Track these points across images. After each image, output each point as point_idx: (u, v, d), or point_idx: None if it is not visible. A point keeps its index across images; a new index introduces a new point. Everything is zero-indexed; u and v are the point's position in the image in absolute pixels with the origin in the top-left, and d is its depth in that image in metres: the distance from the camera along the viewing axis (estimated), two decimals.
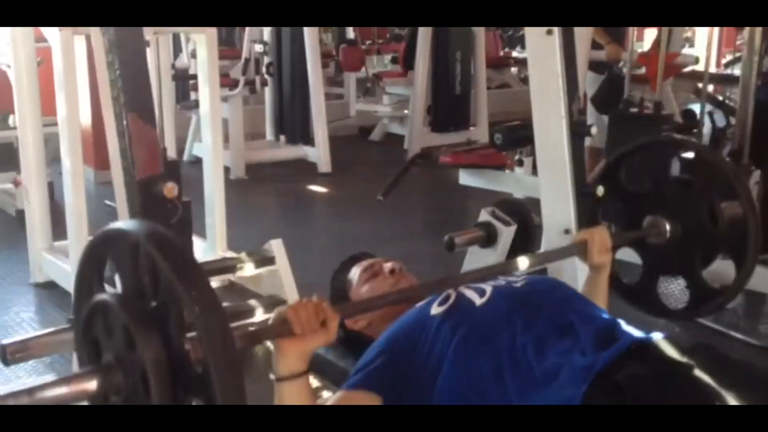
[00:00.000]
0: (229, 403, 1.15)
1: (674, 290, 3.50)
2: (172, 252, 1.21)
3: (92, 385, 1.28)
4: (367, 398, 1.56)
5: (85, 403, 1.33)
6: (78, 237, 3.28)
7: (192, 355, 1.19)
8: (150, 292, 1.26)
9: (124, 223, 1.38)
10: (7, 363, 1.82)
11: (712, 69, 6.39)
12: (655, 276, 2.36)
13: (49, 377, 2.74)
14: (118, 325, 1.26)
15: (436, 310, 1.65)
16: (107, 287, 1.39)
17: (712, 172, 2.30)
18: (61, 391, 1.27)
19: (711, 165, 2.34)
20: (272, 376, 1.48)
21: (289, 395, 1.47)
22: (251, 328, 1.67)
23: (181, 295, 1.16)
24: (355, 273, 1.95)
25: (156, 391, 1.21)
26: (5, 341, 1.81)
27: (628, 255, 3.51)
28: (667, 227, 2.24)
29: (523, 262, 1.91)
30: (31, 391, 1.24)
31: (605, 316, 1.63)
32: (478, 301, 1.64)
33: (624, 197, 2.38)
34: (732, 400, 1.33)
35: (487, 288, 1.68)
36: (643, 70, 4.63)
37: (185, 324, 1.20)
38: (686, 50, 7.60)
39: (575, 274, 2.26)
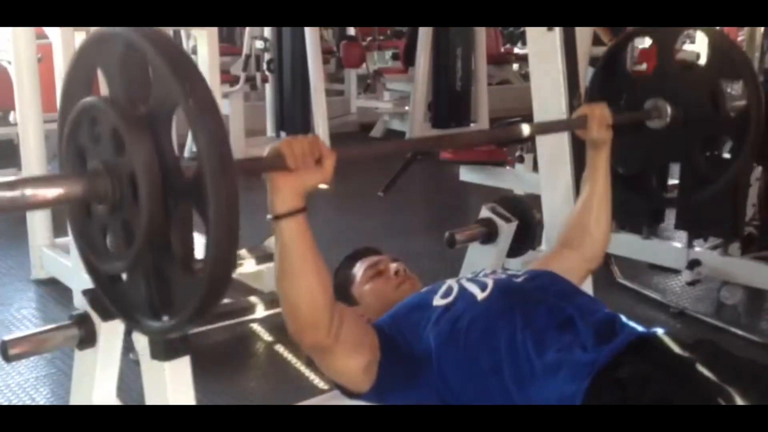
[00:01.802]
0: (222, 207, 1.11)
1: (669, 286, 3.51)
2: (165, 46, 1.14)
3: (77, 188, 1.20)
4: (373, 334, 1.59)
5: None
6: None
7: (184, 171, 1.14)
8: (141, 95, 1.20)
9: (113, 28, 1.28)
10: (8, 359, 1.82)
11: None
12: (654, 161, 2.30)
13: (49, 372, 2.75)
14: (106, 128, 1.20)
15: (438, 301, 1.66)
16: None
17: (718, 54, 2.23)
18: (44, 190, 1.18)
19: (718, 48, 2.25)
20: (269, 216, 1.43)
21: (288, 232, 1.43)
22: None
23: (174, 87, 1.10)
24: (359, 269, 1.94)
25: (145, 196, 1.15)
26: (6, 337, 1.81)
27: (624, 250, 3.54)
28: (668, 110, 2.18)
29: (525, 129, 1.88)
30: (12, 184, 1.14)
31: (605, 310, 1.64)
32: (480, 295, 1.65)
33: (625, 81, 2.33)
34: (734, 396, 1.33)
35: (489, 282, 1.69)
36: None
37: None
38: (687, 46, 7.60)
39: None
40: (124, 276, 1.34)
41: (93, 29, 1.30)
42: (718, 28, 2.85)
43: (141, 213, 1.17)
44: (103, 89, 1.31)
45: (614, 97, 2.27)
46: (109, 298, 1.38)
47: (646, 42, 6.15)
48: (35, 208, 1.20)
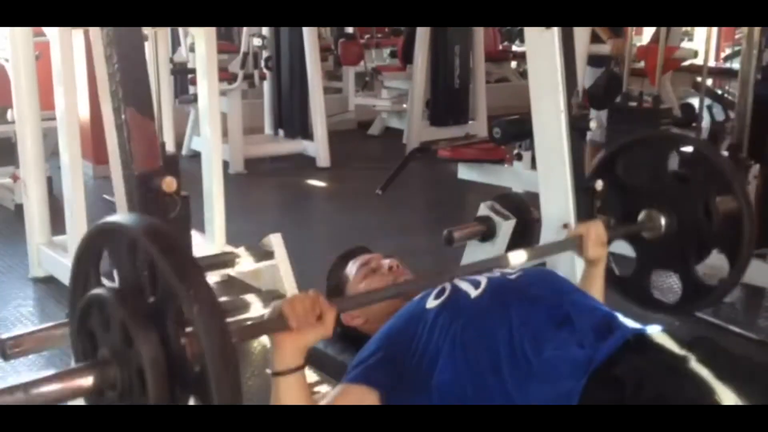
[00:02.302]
0: (226, 402, 1.15)
1: (669, 284, 3.52)
2: (170, 249, 1.20)
3: (88, 380, 1.27)
4: (366, 393, 1.56)
5: (80, 399, 1.33)
6: (77, 231, 3.28)
7: (189, 350, 1.19)
8: (148, 287, 1.25)
9: (121, 216, 1.38)
10: (6, 357, 1.81)
11: (711, 63, 6.39)
12: (649, 270, 2.37)
13: (48, 371, 2.75)
14: (115, 321, 1.26)
15: (431, 303, 1.66)
16: (105, 281, 1.39)
17: (708, 167, 2.30)
18: (57, 386, 1.26)
19: (708, 160, 2.34)
20: (268, 371, 1.48)
21: (286, 389, 1.47)
22: (248, 323, 1.66)
23: (179, 292, 1.16)
24: (352, 269, 1.94)
25: (153, 389, 1.20)
26: (4, 336, 1.80)
27: (623, 248, 3.54)
28: (663, 221, 2.24)
29: (519, 257, 1.91)
30: (26, 386, 1.25)
31: (602, 308, 1.64)
32: (473, 293, 1.65)
33: (621, 190, 2.39)
34: (731, 394, 1.33)
35: (482, 280, 1.68)
36: (642, 64, 4.64)
37: (183, 320, 1.19)
38: (685, 44, 7.60)
39: (572, 266, 2.27)
40: None
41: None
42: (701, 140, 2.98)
43: (149, 403, 1.22)
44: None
45: (610, 202, 2.38)
46: None
47: (644, 39, 6.16)
48: (51, 403, 1.28)
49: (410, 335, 1.62)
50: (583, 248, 1.98)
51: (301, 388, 1.49)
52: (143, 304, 1.26)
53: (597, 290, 1.97)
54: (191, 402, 1.23)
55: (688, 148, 2.45)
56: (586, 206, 2.36)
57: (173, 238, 1.25)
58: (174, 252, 1.20)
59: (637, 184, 2.36)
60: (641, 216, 2.28)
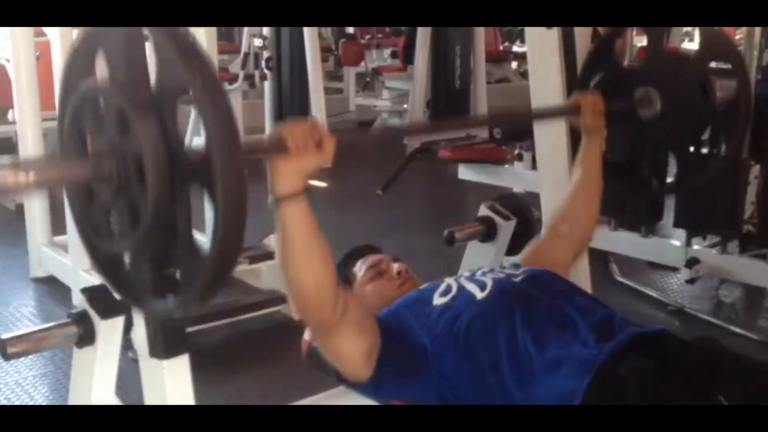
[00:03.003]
0: (230, 188, 1.12)
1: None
2: (171, 29, 1.15)
3: (82, 169, 1.21)
4: (374, 322, 1.61)
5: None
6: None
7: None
8: (145, 78, 1.21)
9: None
10: (6, 357, 1.81)
11: (712, 63, 6.39)
12: (644, 151, 2.31)
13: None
14: (111, 110, 1.20)
15: (437, 300, 1.67)
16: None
17: (705, 40, 2.25)
18: (50, 171, 1.19)
19: (708, 37, 2.26)
20: (270, 198, 1.45)
21: (290, 214, 1.45)
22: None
23: (183, 71, 1.11)
24: (360, 268, 1.93)
25: (151, 175, 1.15)
26: (5, 336, 1.81)
27: (623, 248, 3.54)
28: (658, 99, 2.21)
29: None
30: (17, 165, 1.15)
31: (604, 309, 1.64)
32: (479, 294, 1.65)
33: (615, 70, 2.34)
34: (734, 394, 1.33)
35: (488, 281, 1.69)
36: None
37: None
38: (686, 44, 7.60)
39: (573, 266, 2.26)
40: (126, 257, 1.33)
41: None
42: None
43: (147, 194, 1.17)
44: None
45: (605, 87, 2.29)
46: (111, 279, 1.38)
47: (644, 40, 6.16)
48: (42, 188, 1.19)
49: (413, 321, 1.64)
50: (581, 115, 1.97)
51: (306, 211, 1.47)
52: (142, 94, 1.20)
53: (593, 163, 1.99)
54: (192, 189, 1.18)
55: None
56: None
57: (178, 28, 1.19)
58: (174, 32, 1.15)
59: (633, 65, 2.31)
60: (637, 93, 2.25)
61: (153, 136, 1.15)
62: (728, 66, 2.25)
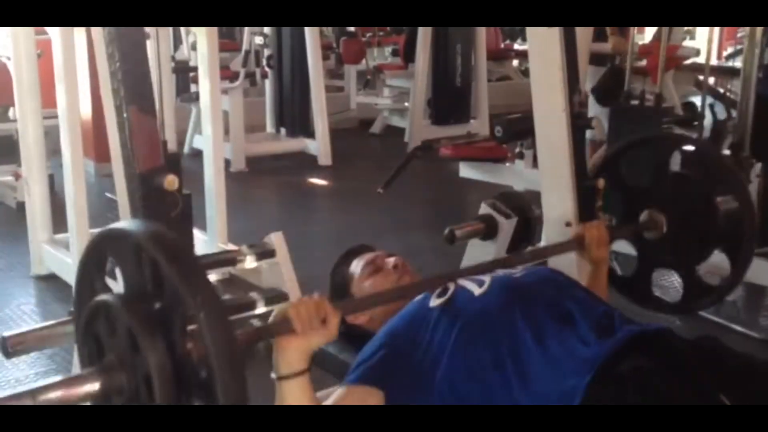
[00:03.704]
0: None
1: (671, 282, 3.51)
2: (175, 255, 1.20)
3: (95, 386, 1.28)
4: (369, 393, 1.56)
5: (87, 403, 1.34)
6: (79, 229, 3.28)
7: (195, 356, 1.19)
8: (153, 292, 1.26)
9: (126, 222, 1.39)
10: (8, 355, 1.81)
11: (713, 61, 6.38)
12: (651, 269, 2.36)
13: (54, 378, 2.75)
14: (121, 327, 1.26)
15: (434, 302, 1.66)
16: (109, 280, 1.39)
17: (709, 166, 2.30)
18: (64, 392, 1.27)
19: (709, 159, 2.34)
20: (273, 375, 1.48)
21: (290, 394, 1.47)
22: (254, 324, 1.66)
23: (185, 299, 1.16)
24: (356, 267, 1.93)
25: (160, 394, 1.21)
26: (6, 333, 1.81)
27: (626, 247, 3.53)
28: (664, 221, 2.24)
29: (520, 258, 1.92)
30: (33, 392, 1.25)
31: (605, 306, 1.64)
32: (477, 291, 1.65)
33: (622, 190, 2.39)
34: (736, 393, 1.33)
35: (486, 278, 1.68)
36: (644, 63, 4.63)
37: (189, 326, 1.20)
38: (687, 42, 7.59)
39: (574, 263, 2.26)
40: None
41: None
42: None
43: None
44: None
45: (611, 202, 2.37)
46: None
47: (646, 38, 6.15)
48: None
49: (413, 334, 1.62)
50: (586, 249, 1.98)
51: (305, 391, 1.48)
52: (149, 311, 1.26)
53: (600, 290, 1.97)
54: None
55: (690, 148, 2.45)
56: (588, 205, 2.36)
57: (178, 244, 1.25)
58: (179, 258, 1.20)
59: (639, 184, 2.37)
60: (643, 216, 2.29)
61: (160, 359, 1.21)
62: (730, 65, 2.26)
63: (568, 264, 2.26)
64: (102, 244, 1.37)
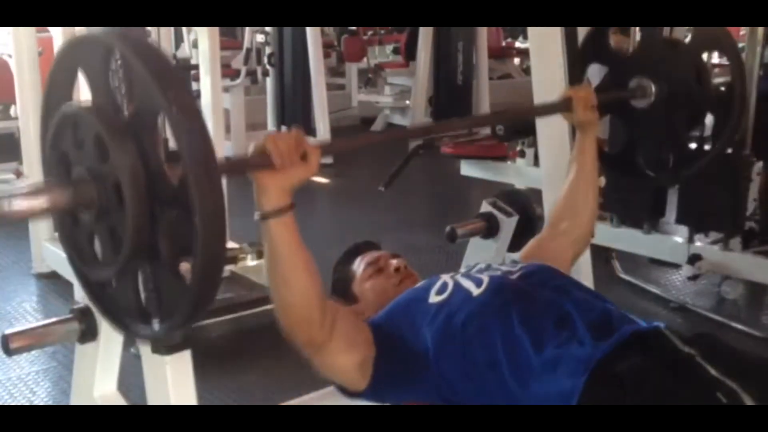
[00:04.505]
0: (207, 214, 1.11)
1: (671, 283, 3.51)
2: (148, 54, 1.14)
3: (63, 197, 1.21)
4: (365, 332, 1.60)
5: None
6: None
7: (169, 171, 1.15)
8: (123, 103, 1.21)
9: (97, 29, 1.27)
10: (9, 353, 1.82)
11: (715, 59, 6.38)
12: (639, 141, 2.29)
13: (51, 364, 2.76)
14: (89, 135, 1.20)
15: (433, 298, 1.66)
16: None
17: (701, 30, 2.22)
18: (30, 201, 1.19)
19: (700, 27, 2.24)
20: (256, 215, 1.43)
21: (276, 230, 1.42)
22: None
23: (158, 96, 1.10)
24: (359, 265, 1.93)
25: (130, 202, 1.15)
26: (7, 331, 1.81)
27: (625, 244, 3.53)
28: (653, 88, 2.18)
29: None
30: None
31: (603, 304, 1.63)
32: (475, 291, 1.64)
33: (609, 60, 2.32)
34: (735, 390, 1.33)
35: (484, 278, 1.68)
36: None
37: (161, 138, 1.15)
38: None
39: (576, 266, 2.26)
40: (113, 282, 1.33)
41: (72, 38, 1.30)
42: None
43: (127, 220, 1.16)
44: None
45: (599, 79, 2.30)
46: (99, 303, 1.39)
47: None
48: (23, 218, 1.19)
49: (411, 319, 1.63)
50: (574, 110, 1.94)
51: (292, 227, 1.44)
52: (119, 119, 1.20)
53: (589, 158, 1.97)
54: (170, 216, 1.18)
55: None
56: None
57: (151, 44, 1.19)
58: (152, 56, 1.14)
59: (627, 53, 2.30)
60: (631, 84, 2.23)
61: (131, 163, 1.15)
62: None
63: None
64: (71, 50, 1.29)
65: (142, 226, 1.17)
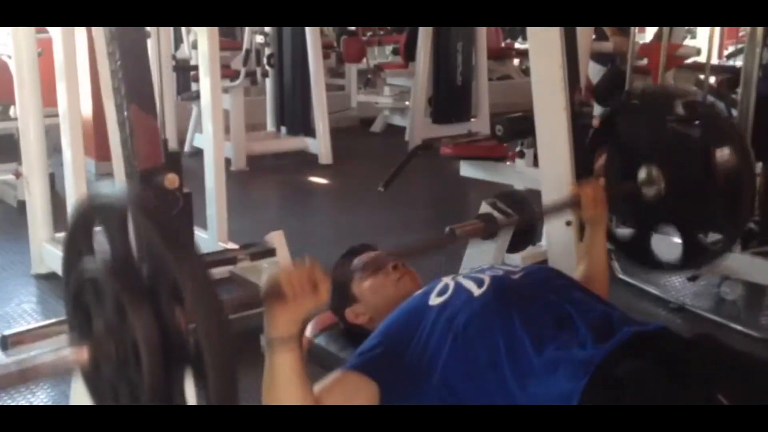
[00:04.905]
0: (220, 374, 1.15)
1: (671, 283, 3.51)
2: (162, 222, 1.18)
3: (83, 354, 1.26)
4: (364, 382, 1.57)
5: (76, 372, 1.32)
6: None
7: (183, 324, 1.18)
8: (140, 259, 1.24)
9: (112, 188, 1.35)
10: (8, 354, 1.82)
11: (714, 60, 6.38)
12: (649, 229, 2.32)
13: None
14: (108, 295, 1.24)
15: (434, 300, 1.66)
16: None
17: (708, 123, 2.24)
18: (53, 360, 1.25)
19: (707, 116, 2.27)
20: (263, 341, 1.47)
21: (279, 357, 1.46)
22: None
23: (170, 266, 1.15)
24: (357, 266, 1.93)
25: (147, 362, 1.19)
26: (6, 332, 1.81)
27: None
28: (662, 179, 2.21)
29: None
30: (20, 363, 1.23)
31: (603, 306, 1.63)
32: (476, 291, 1.65)
33: (618, 149, 2.34)
34: (734, 392, 1.33)
35: (485, 278, 1.68)
36: (645, 62, 4.62)
37: (177, 293, 1.18)
38: (688, 41, 7.58)
39: (574, 264, 2.26)
40: None
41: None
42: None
43: (143, 378, 1.21)
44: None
45: (608, 167, 2.33)
46: None
47: (647, 37, 6.14)
48: (46, 377, 1.25)
49: (412, 331, 1.62)
50: (582, 209, 1.96)
51: (295, 358, 1.47)
52: (137, 279, 1.24)
53: (598, 253, 1.97)
54: (186, 375, 1.22)
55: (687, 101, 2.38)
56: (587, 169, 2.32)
57: (164, 211, 1.23)
58: (165, 226, 1.18)
59: (636, 143, 2.31)
60: (640, 174, 2.24)
61: (147, 328, 1.20)
62: (731, 64, 2.24)
63: (568, 260, 2.24)
64: (88, 212, 1.34)
65: (157, 386, 1.21)
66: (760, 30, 3.25)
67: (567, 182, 2.38)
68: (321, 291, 1.46)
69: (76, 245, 1.37)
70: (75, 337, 1.33)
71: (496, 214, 2.50)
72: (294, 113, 6.33)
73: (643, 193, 2.23)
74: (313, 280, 1.45)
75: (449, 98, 6.71)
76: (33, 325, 1.92)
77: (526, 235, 2.57)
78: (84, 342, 1.28)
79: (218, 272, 3.25)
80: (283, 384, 1.47)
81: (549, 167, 2.48)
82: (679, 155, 2.21)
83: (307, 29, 5.94)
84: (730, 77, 4.01)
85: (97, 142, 4.94)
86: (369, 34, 7.87)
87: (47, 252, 3.62)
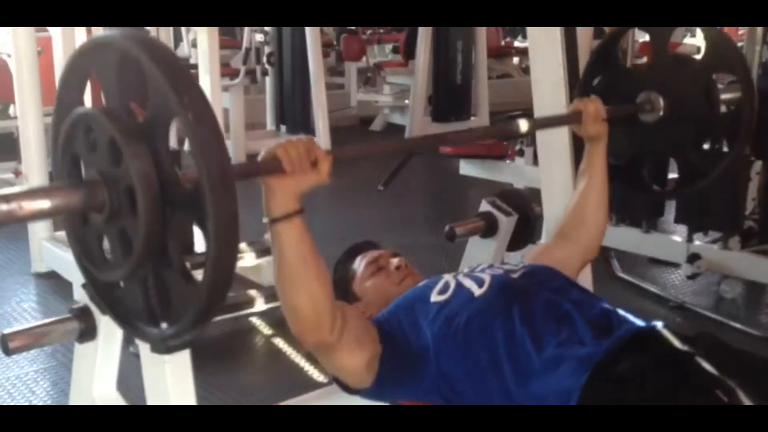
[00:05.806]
0: (222, 221, 1.11)
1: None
2: (163, 58, 1.14)
3: (74, 198, 1.20)
4: (374, 334, 1.60)
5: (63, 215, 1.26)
6: None
7: (182, 179, 1.15)
8: (139, 105, 1.21)
9: (110, 32, 1.26)
10: (8, 352, 1.82)
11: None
12: (645, 155, 2.30)
13: (51, 361, 2.76)
14: (103, 139, 1.19)
15: (435, 298, 1.66)
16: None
17: (713, 49, 2.22)
18: (41, 202, 1.17)
19: (713, 42, 2.23)
20: (265, 219, 1.43)
21: (285, 235, 1.43)
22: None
23: (171, 99, 1.10)
24: (359, 264, 1.92)
25: (143, 206, 1.15)
26: (6, 331, 1.81)
27: (624, 244, 3.54)
28: (661, 103, 2.17)
29: (522, 125, 1.93)
30: (8, 197, 1.13)
31: (603, 304, 1.64)
32: (477, 291, 1.65)
33: (618, 74, 2.32)
34: (734, 389, 1.33)
35: (486, 278, 1.68)
36: (644, 60, 4.63)
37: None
38: (688, 40, 7.58)
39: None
40: (121, 283, 1.33)
41: (91, 30, 1.30)
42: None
43: (139, 223, 1.16)
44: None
45: (608, 90, 2.28)
46: (106, 304, 1.38)
47: (647, 36, 6.15)
48: (33, 219, 1.20)
49: (412, 321, 1.63)
50: (583, 124, 1.94)
51: (302, 232, 1.44)
52: (133, 122, 1.20)
53: (600, 171, 1.96)
54: (182, 219, 1.17)
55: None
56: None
57: (166, 48, 1.18)
58: (166, 60, 1.14)
59: (636, 68, 2.28)
60: (639, 98, 2.23)
61: (145, 167, 1.15)
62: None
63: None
64: (85, 55, 1.29)
65: (153, 230, 1.16)
66: (759, 29, 3.25)
67: (566, 180, 2.39)
68: (321, 168, 1.41)
69: (69, 92, 1.32)
70: (63, 186, 1.24)
71: (495, 212, 2.51)
72: (294, 112, 6.32)
73: (641, 117, 2.21)
74: (313, 156, 1.40)
75: (449, 97, 6.71)
76: (33, 323, 1.92)
77: (525, 233, 2.57)
78: (76, 186, 1.21)
79: None
80: (296, 262, 1.43)
81: (549, 165, 2.49)
82: (680, 82, 2.18)
83: (307, 28, 5.94)
84: None
85: None
86: (369, 32, 7.87)
87: (47, 251, 3.62)
